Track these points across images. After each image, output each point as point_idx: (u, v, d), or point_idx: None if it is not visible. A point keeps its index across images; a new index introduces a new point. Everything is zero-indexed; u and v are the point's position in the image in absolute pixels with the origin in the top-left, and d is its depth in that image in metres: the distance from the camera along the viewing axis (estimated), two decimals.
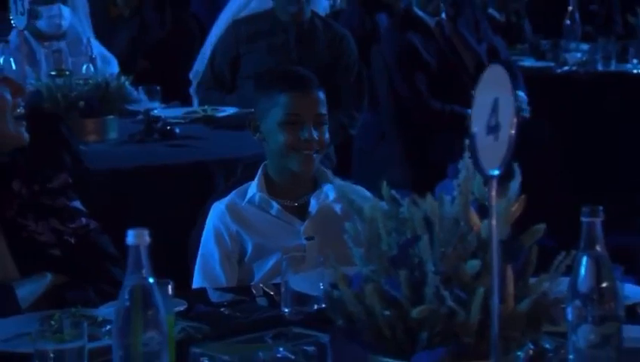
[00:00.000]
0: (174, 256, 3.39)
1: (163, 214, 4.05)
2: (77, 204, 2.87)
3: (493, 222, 1.92)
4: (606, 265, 2.05)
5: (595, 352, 2.03)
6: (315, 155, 3.17)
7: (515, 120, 1.89)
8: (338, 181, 2.27)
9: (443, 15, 6.15)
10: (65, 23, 5.64)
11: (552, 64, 6.74)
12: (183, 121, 5.13)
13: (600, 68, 6.52)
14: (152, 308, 1.93)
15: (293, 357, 2.19)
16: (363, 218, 2.15)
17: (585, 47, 6.79)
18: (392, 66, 6.11)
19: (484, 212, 2.13)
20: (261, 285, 2.82)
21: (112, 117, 4.77)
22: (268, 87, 3.28)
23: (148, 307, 1.93)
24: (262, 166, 3.23)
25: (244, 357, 2.15)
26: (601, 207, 2.06)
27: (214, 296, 2.87)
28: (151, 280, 1.94)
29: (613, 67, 6.49)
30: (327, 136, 3.21)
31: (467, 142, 1.97)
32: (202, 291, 3.00)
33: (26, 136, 2.79)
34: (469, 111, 6.09)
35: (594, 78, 6.44)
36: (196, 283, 3.16)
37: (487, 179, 1.91)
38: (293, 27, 5.79)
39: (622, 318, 2.07)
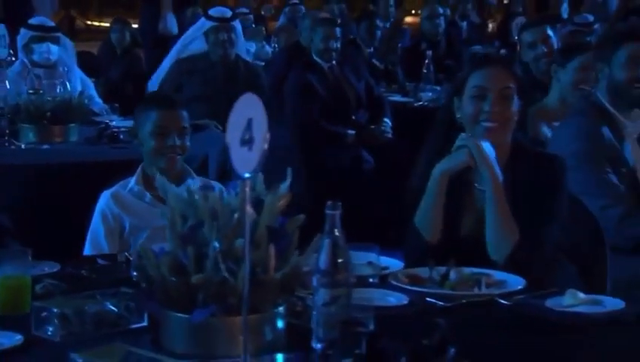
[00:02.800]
0: None
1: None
2: None
3: (248, 209, 1.76)
4: (341, 246, 1.92)
5: (327, 308, 1.91)
6: (178, 157, 3.04)
7: (267, 136, 1.76)
8: (161, 179, 2.10)
9: (334, 62, 6.02)
10: (53, 57, 5.51)
11: (412, 99, 6.63)
12: (130, 130, 4.95)
13: None
14: None
15: (116, 310, 2.05)
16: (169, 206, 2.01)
17: (437, 88, 6.69)
18: (295, 97, 5.98)
19: (259, 204, 2.00)
20: (126, 253, 2.66)
21: (73, 125, 4.60)
22: (144, 106, 3.15)
23: None
24: (141, 164, 3.09)
25: (75, 309, 2.00)
26: (340, 203, 1.94)
27: (100, 261, 2.70)
28: None
29: None
30: (188, 143, 3.08)
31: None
32: (90, 257, 2.83)
33: None
34: (349, 131, 5.89)
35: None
36: (86, 251, 3.02)
37: (240, 181, 1.77)
38: (221, 65, 5.67)
39: (351, 284, 1.94)
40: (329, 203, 1.93)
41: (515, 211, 2.49)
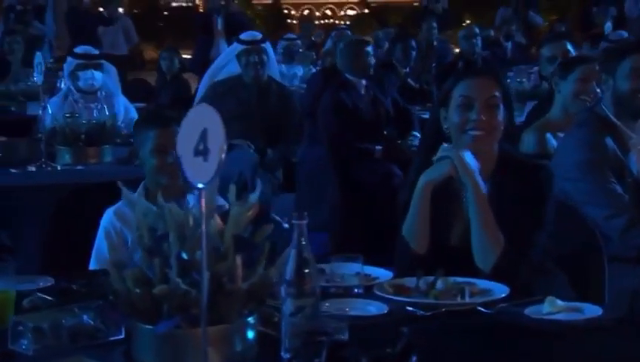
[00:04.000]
0: None
1: None
2: None
3: (203, 226, 1.67)
4: (307, 256, 1.82)
5: (293, 318, 1.81)
6: (180, 173, 2.94)
7: (224, 147, 1.66)
8: (128, 194, 2.02)
9: (364, 81, 5.92)
10: (97, 83, 5.51)
11: None
12: (130, 151, 4.83)
13: None
14: None
15: (92, 322, 1.97)
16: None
17: None
18: (327, 115, 5.90)
19: (227, 215, 1.91)
20: None
21: (107, 146, 4.56)
22: (142, 125, 3.07)
23: None
24: (143, 182, 3.01)
25: (51, 323, 1.91)
26: (305, 213, 1.84)
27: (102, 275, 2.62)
28: None
29: None
30: None
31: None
32: (90, 272, 2.77)
33: None
34: (377, 147, 5.75)
35: None
36: (92, 266, 2.94)
37: (195, 191, 1.67)
38: (254, 86, 5.61)
39: (317, 294, 1.83)
40: (294, 214, 1.83)
41: (501, 220, 2.36)
